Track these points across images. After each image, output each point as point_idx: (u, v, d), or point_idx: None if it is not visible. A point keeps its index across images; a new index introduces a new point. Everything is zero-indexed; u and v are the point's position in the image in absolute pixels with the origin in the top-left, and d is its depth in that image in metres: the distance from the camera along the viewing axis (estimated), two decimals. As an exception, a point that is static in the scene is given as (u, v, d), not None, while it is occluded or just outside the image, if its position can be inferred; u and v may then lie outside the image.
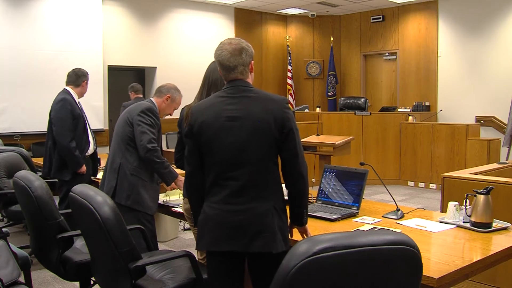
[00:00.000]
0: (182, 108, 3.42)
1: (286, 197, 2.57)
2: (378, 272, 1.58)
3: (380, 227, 2.82)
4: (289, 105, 2.59)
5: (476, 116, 10.35)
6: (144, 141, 3.73)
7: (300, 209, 2.56)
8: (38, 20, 8.80)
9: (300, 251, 1.48)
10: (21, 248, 3.57)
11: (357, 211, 3.19)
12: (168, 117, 4.33)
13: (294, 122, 2.49)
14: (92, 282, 3.50)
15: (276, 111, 2.44)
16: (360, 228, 2.79)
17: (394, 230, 2.75)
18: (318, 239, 1.52)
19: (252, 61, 2.61)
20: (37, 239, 3.43)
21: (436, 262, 2.31)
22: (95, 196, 2.65)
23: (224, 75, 2.59)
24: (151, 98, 4.10)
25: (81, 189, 2.77)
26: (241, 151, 2.43)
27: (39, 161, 6.38)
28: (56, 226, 3.21)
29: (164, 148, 7.14)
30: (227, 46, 2.56)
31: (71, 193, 2.83)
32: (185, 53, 10.89)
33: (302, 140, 7.56)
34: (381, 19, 12.02)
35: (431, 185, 9.34)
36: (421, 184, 9.51)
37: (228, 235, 2.40)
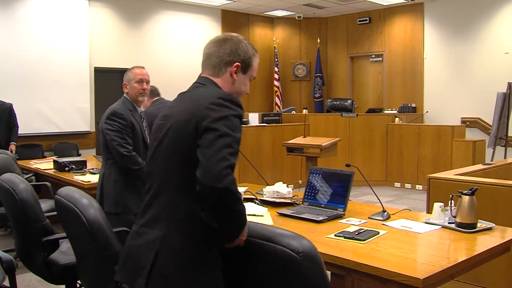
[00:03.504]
0: None
1: None
2: (261, 267, 1.96)
3: (366, 228, 2.83)
4: (229, 103, 1.98)
5: (461, 118, 10.43)
6: (116, 149, 3.72)
7: None
8: (23, 21, 8.74)
9: None
10: (5, 251, 3.53)
11: (343, 213, 3.20)
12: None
13: (226, 123, 1.92)
14: (78, 285, 3.47)
15: (196, 108, 1.98)
16: (346, 230, 2.80)
17: (380, 231, 2.77)
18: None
19: (238, 64, 2.17)
20: (22, 242, 3.40)
21: (421, 262, 2.33)
22: (80, 199, 2.63)
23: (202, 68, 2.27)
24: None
25: (66, 192, 2.75)
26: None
27: (24, 163, 6.34)
28: (42, 229, 3.19)
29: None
30: (215, 37, 2.29)
31: (56, 195, 2.81)
32: (172, 55, 10.88)
33: (289, 141, 7.53)
34: (367, 21, 12.08)
35: (417, 186, 9.39)
36: (408, 185, 9.56)
37: None
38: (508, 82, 8.00)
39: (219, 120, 1.91)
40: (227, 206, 1.86)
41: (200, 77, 2.22)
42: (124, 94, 4.04)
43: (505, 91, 7.94)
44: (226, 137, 1.88)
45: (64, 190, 2.80)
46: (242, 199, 1.91)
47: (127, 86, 4.02)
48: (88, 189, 4.50)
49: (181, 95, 2.23)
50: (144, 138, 3.91)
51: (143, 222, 2.07)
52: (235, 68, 2.17)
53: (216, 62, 2.17)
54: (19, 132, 7.77)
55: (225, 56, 2.16)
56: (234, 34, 2.26)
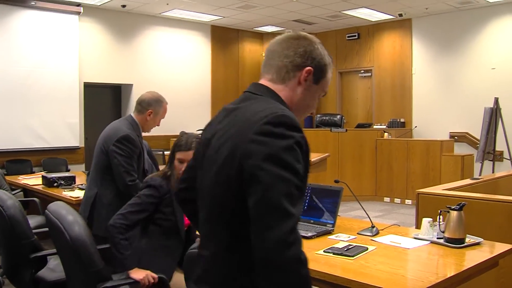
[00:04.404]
0: None
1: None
2: None
3: (355, 244, 2.84)
4: (281, 128, 1.46)
5: (450, 132, 10.50)
6: (121, 176, 3.58)
7: None
8: (13, 35, 8.75)
9: None
10: (-8, 268, 3.51)
11: (332, 228, 3.20)
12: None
13: (278, 162, 1.41)
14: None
15: (238, 138, 1.51)
16: (335, 246, 2.80)
17: (369, 247, 2.77)
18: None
19: (311, 70, 1.66)
20: (9, 259, 3.37)
21: (410, 278, 2.33)
22: (66, 216, 2.63)
23: None
24: (132, 114, 3.83)
25: (54, 208, 2.75)
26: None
27: (12, 179, 6.29)
28: (30, 246, 3.17)
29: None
30: (284, 34, 1.76)
31: (46, 211, 2.80)
32: (161, 70, 10.90)
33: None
34: (356, 37, 12.17)
35: (407, 200, 9.42)
36: (397, 200, 9.59)
37: None
38: (495, 97, 8.07)
39: (266, 161, 1.40)
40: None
41: (253, 84, 1.74)
42: (134, 117, 3.80)
43: (492, 106, 8.01)
44: (279, 186, 1.39)
45: (53, 206, 2.79)
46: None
47: (151, 115, 3.78)
48: (76, 204, 4.47)
49: (225, 111, 1.70)
50: (144, 164, 3.87)
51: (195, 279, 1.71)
52: (306, 74, 1.66)
53: (282, 63, 1.67)
54: (7, 147, 7.71)
55: (296, 57, 1.66)
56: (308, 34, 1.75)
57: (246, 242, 1.42)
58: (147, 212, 3.01)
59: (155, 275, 2.85)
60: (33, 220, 4.89)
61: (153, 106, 3.78)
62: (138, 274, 2.84)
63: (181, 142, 3.14)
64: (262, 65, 1.73)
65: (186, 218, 3.09)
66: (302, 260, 1.38)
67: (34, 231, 3.29)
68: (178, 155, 3.11)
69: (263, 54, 12.81)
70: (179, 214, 3.09)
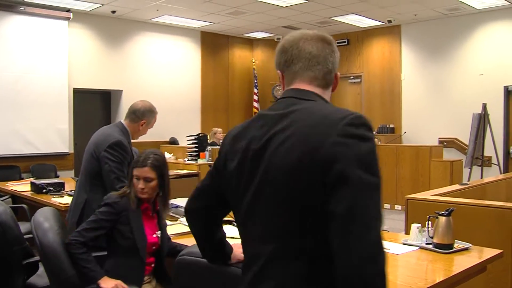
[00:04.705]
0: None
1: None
2: None
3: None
4: (363, 129, 1.37)
5: (439, 138, 10.56)
6: (112, 182, 3.54)
7: None
8: (2, 41, 8.71)
9: None
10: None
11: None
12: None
13: (366, 165, 1.32)
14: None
15: (315, 143, 1.37)
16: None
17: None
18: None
19: (338, 74, 1.65)
20: (1, 265, 3.35)
21: (399, 284, 2.34)
22: (43, 223, 2.66)
23: (287, 77, 1.63)
24: (122, 121, 3.84)
25: (36, 214, 2.77)
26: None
27: (1, 185, 6.25)
28: (22, 252, 3.15)
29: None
30: (307, 32, 1.63)
31: (33, 217, 2.80)
32: (151, 76, 10.89)
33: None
34: (345, 43, 12.22)
35: (396, 206, 9.45)
36: (387, 206, 9.61)
37: None
38: (483, 103, 8.15)
39: (355, 165, 1.30)
40: None
41: (291, 90, 1.59)
42: (125, 125, 3.80)
43: (480, 112, 8.07)
44: (369, 193, 1.30)
45: (39, 211, 2.80)
46: None
47: (143, 125, 3.81)
48: (65, 211, 4.44)
49: (273, 117, 1.52)
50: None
51: None
52: (336, 80, 1.64)
53: (328, 68, 1.59)
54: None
55: (335, 62, 1.61)
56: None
57: (320, 253, 1.35)
58: (103, 230, 2.93)
59: (125, 286, 2.81)
60: (22, 227, 4.82)
61: (147, 116, 3.80)
62: (108, 283, 2.79)
63: (138, 158, 3.09)
64: (298, 69, 1.59)
65: (154, 237, 3.04)
66: (385, 274, 1.29)
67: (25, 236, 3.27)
68: (135, 172, 3.04)
69: (253, 60, 12.85)
70: (137, 233, 2.97)
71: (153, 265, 3.07)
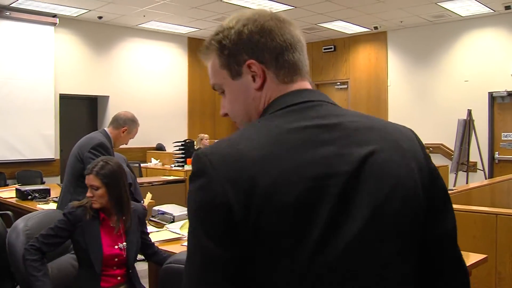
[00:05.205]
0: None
1: None
2: None
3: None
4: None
5: (425, 144, 10.58)
6: None
7: None
8: (-14, 47, 8.64)
9: None
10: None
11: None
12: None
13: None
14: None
15: (414, 154, 1.22)
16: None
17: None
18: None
19: None
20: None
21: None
22: (18, 224, 2.65)
23: (277, 71, 1.20)
24: (106, 129, 4.00)
25: (21, 218, 2.78)
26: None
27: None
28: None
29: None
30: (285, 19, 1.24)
31: None
32: (138, 82, 10.86)
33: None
34: (332, 49, 12.28)
35: (383, 211, 9.48)
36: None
37: None
38: (468, 109, 8.22)
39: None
40: None
41: (313, 91, 1.27)
42: (108, 132, 3.96)
43: (465, 117, 8.14)
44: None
45: (26, 216, 2.80)
46: None
47: (124, 132, 3.97)
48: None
49: (340, 128, 1.12)
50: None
51: None
52: None
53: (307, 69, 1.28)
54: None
55: None
56: None
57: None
58: (59, 238, 2.87)
59: None
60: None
61: (128, 124, 4.00)
62: None
63: (89, 166, 3.05)
64: (300, 65, 1.27)
65: (116, 248, 2.96)
66: None
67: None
68: (85, 180, 3.00)
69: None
70: (91, 245, 2.88)
71: (119, 278, 2.97)
